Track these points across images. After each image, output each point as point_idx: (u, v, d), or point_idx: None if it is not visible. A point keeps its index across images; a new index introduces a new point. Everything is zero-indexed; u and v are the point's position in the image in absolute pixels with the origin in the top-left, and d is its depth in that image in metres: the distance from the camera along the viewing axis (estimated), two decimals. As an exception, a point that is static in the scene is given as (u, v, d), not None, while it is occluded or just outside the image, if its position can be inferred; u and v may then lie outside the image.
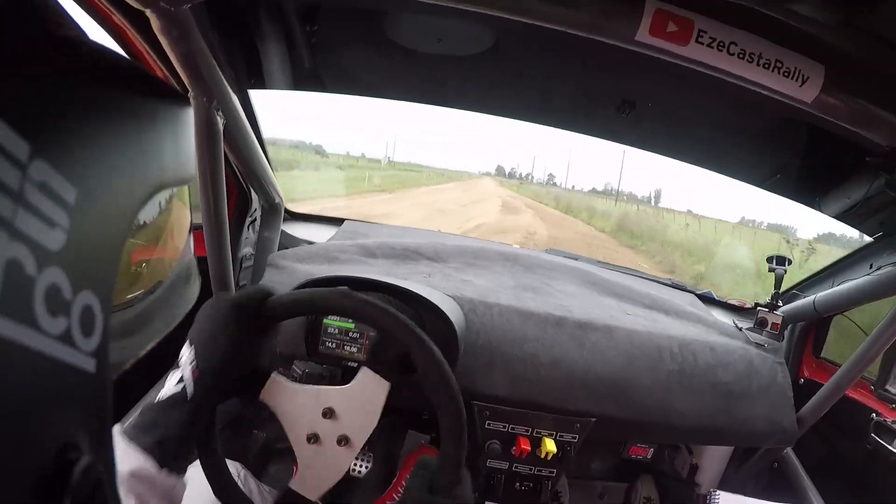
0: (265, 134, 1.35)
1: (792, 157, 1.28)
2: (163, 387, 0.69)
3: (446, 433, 0.75)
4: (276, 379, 0.83)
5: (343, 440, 0.81)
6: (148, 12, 0.75)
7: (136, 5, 0.73)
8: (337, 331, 1.13)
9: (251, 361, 0.77)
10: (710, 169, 1.44)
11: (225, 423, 1.66)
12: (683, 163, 1.44)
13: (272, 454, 1.65)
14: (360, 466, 1.53)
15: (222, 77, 0.97)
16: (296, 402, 0.82)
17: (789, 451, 1.50)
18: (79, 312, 0.23)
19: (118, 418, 1.15)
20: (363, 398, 0.84)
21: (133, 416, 0.66)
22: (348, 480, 1.62)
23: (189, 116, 0.34)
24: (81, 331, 0.23)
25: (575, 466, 1.81)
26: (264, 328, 0.77)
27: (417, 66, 1.31)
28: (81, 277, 0.23)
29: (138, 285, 0.58)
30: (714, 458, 1.62)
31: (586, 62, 1.11)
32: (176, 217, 0.63)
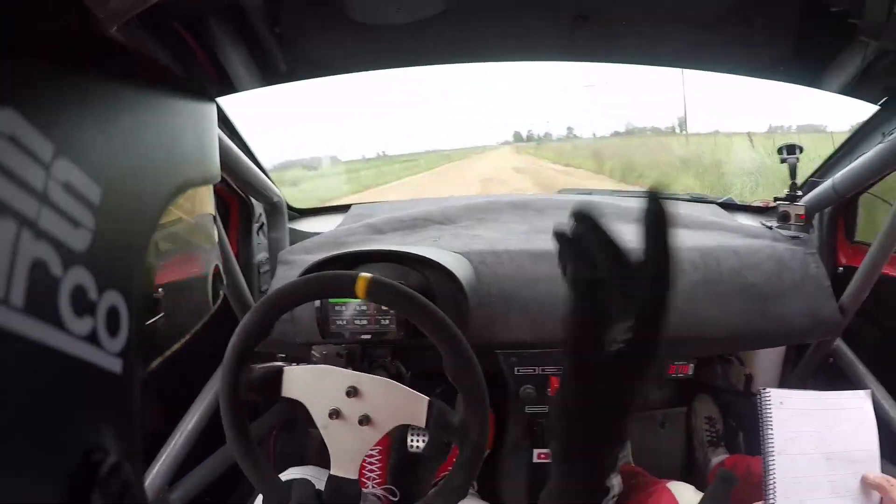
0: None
1: (778, 38, 1.21)
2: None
3: (434, 338, 0.78)
4: (290, 372, 0.85)
5: (364, 419, 0.82)
6: None
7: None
8: (344, 308, 1.15)
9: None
10: (702, 68, 1.38)
11: (280, 426, 1.73)
12: (673, 67, 1.38)
13: None
14: (419, 441, 1.56)
15: None
16: (317, 382, 0.84)
17: (841, 342, 1.44)
18: (104, 313, 0.23)
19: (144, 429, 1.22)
20: (389, 383, 0.85)
21: None
22: (410, 456, 1.66)
23: (212, 114, 0.34)
24: (107, 331, 0.23)
25: None
26: None
27: (383, 38, 1.30)
28: (107, 277, 0.23)
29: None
30: (766, 364, 1.57)
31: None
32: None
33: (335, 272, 0.83)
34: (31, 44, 0.21)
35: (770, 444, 0.90)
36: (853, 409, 0.95)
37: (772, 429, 0.90)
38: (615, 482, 1.02)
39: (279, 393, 0.84)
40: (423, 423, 0.82)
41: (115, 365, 0.24)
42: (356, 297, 0.80)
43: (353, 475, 0.83)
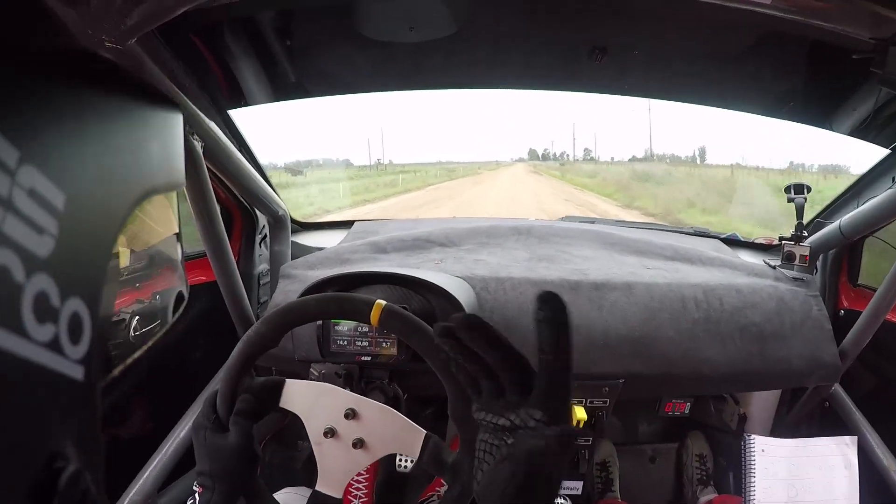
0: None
1: (791, 78, 1.22)
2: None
3: (442, 376, 0.77)
4: (291, 385, 0.84)
5: (359, 443, 0.81)
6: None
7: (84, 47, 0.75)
8: (345, 328, 1.14)
9: (242, 458, 0.79)
10: (714, 105, 1.39)
11: (269, 437, 1.71)
12: (684, 103, 1.39)
13: None
14: (406, 461, 1.54)
15: (189, 102, 0.98)
16: (317, 399, 0.84)
17: (838, 387, 1.43)
18: (67, 320, 0.23)
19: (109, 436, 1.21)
20: (388, 411, 0.84)
21: None
22: (397, 476, 1.64)
23: (178, 122, 0.34)
24: (69, 338, 0.23)
25: (621, 433, 1.79)
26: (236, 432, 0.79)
27: (395, 57, 1.31)
28: (70, 284, 0.23)
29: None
30: (762, 405, 1.56)
31: (554, 16, 1.09)
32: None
33: (354, 295, 0.82)
34: None
35: (752, 492, 0.90)
36: (837, 457, 0.95)
37: (754, 476, 0.91)
38: None
39: (277, 403, 0.83)
40: (416, 455, 0.81)
41: (77, 372, 0.24)
42: (369, 323, 0.79)
43: (338, 495, 0.83)
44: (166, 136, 0.32)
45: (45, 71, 0.22)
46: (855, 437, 0.95)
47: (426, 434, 0.82)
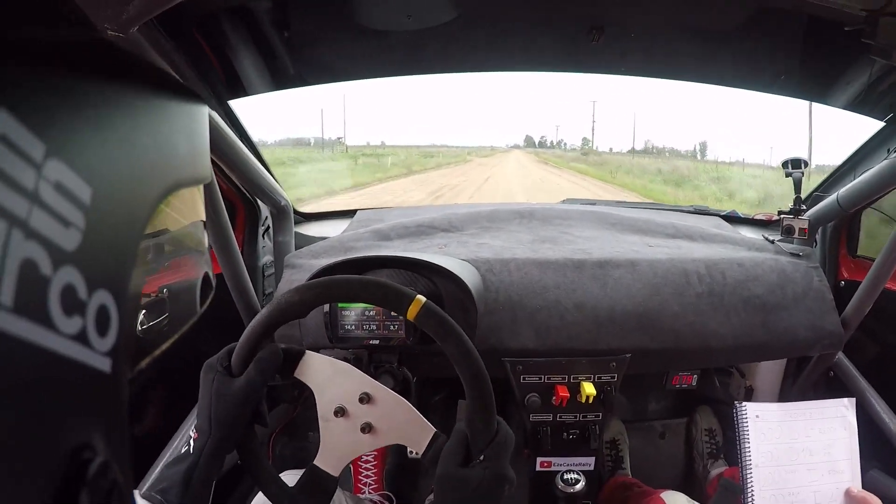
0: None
1: (787, 54, 1.24)
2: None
3: (467, 385, 0.76)
4: (311, 356, 0.84)
5: (367, 427, 0.81)
6: None
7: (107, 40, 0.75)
8: (352, 313, 1.15)
9: (245, 406, 0.79)
10: (711, 82, 1.40)
11: (280, 429, 1.72)
12: (681, 81, 1.40)
13: None
14: None
15: None
16: (334, 376, 0.83)
17: (842, 356, 1.46)
18: (94, 312, 0.23)
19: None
20: (403, 403, 0.83)
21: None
22: (408, 462, 1.65)
23: (204, 116, 0.34)
24: (97, 330, 0.23)
25: (630, 411, 1.80)
26: (247, 377, 0.79)
27: (392, 44, 1.32)
28: (97, 277, 0.23)
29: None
30: (767, 376, 1.58)
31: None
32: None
33: (397, 285, 0.79)
34: (23, 46, 0.21)
35: (748, 458, 0.90)
36: (835, 419, 0.95)
37: (748, 443, 0.91)
38: None
39: (292, 373, 0.83)
40: (421, 451, 0.80)
41: (105, 364, 0.24)
42: (403, 315, 0.78)
43: (335, 473, 0.82)
44: (192, 129, 0.32)
45: (68, 64, 0.23)
46: (853, 399, 0.95)
47: (435, 433, 0.81)
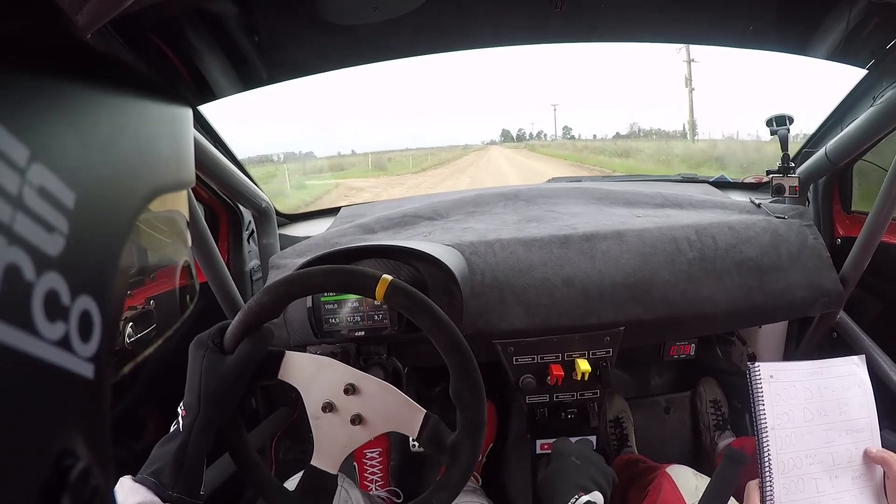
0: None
1: (761, 6, 1.21)
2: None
3: (446, 355, 0.76)
4: (292, 356, 0.83)
5: (357, 419, 0.80)
6: None
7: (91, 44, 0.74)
8: (335, 305, 1.13)
9: (235, 383, 0.78)
10: (685, 41, 1.38)
11: (280, 434, 1.71)
12: (652, 42, 1.37)
13: None
14: None
15: None
16: (316, 372, 0.83)
17: (844, 315, 1.42)
18: (77, 317, 0.23)
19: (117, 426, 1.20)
20: (389, 388, 0.82)
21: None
22: (413, 456, 1.64)
23: (188, 119, 0.34)
24: (80, 336, 0.23)
25: (632, 387, 1.78)
26: (238, 353, 0.79)
27: (362, 36, 1.30)
28: (80, 282, 0.23)
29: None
30: (769, 342, 1.55)
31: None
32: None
33: (359, 268, 0.80)
34: (5, 48, 0.20)
35: (763, 421, 0.88)
36: (847, 377, 0.93)
37: (763, 405, 0.88)
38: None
39: (276, 375, 0.82)
40: (415, 435, 0.80)
41: (87, 370, 0.24)
42: (373, 298, 0.77)
43: (333, 470, 0.82)
44: (176, 134, 0.32)
45: (51, 67, 0.22)
46: (863, 356, 0.93)
47: (426, 413, 0.80)
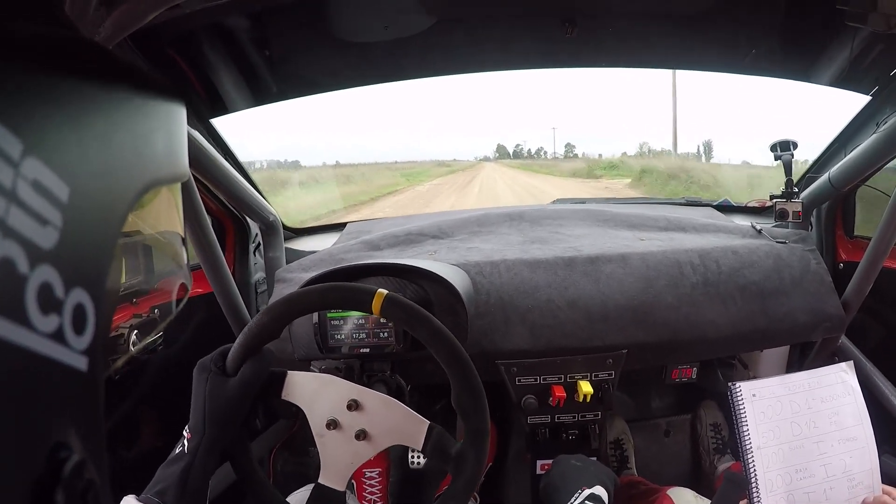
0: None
1: (765, 33, 1.22)
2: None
3: (446, 366, 0.77)
4: (294, 375, 0.84)
5: (361, 434, 0.81)
6: None
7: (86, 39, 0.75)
8: (342, 322, 1.14)
9: (239, 405, 0.80)
10: (692, 68, 1.40)
11: (279, 445, 1.71)
12: (661, 68, 1.39)
13: None
14: (419, 457, 1.53)
15: None
16: (319, 390, 0.83)
17: (846, 340, 1.42)
18: (71, 310, 0.23)
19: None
20: (391, 402, 0.83)
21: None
22: (411, 473, 1.63)
23: (181, 113, 0.34)
24: (73, 329, 0.23)
25: (633, 409, 1.77)
26: (241, 375, 0.80)
27: (372, 54, 1.32)
28: (74, 275, 0.23)
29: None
30: (770, 366, 1.55)
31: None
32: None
33: (355, 285, 0.82)
34: (1, 43, 0.21)
35: (748, 442, 0.86)
36: (837, 385, 0.91)
37: (747, 425, 0.87)
38: None
39: (279, 395, 0.83)
40: (420, 447, 0.80)
41: (81, 363, 0.24)
42: (370, 313, 0.79)
43: (341, 487, 0.82)
44: (170, 127, 0.32)
45: (46, 62, 0.23)
46: (851, 362, 0.91)
47: (430, 424, 0.81)
